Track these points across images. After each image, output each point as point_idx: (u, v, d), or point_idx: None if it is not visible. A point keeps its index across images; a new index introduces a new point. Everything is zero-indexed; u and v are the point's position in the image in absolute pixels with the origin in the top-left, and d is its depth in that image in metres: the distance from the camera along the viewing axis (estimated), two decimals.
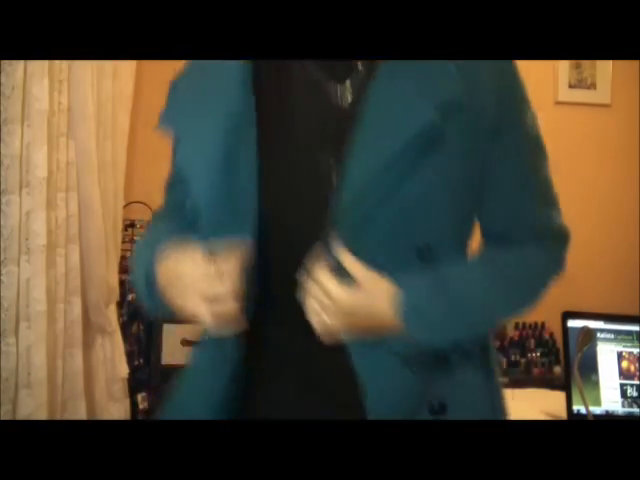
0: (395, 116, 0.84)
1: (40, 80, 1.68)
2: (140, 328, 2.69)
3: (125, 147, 2.19)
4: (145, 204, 2.69)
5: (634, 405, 1.50)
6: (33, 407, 1.67)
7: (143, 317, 2.70)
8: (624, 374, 1.52)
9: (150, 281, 0.87)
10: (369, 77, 0.87)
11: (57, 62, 1.75)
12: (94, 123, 1.97)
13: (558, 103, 3.10)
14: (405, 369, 0.84)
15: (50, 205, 1.75)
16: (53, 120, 1.76)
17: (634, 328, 1.53)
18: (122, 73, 2.19)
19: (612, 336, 1.53)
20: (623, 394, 1.51)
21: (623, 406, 1.50)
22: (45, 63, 1.69)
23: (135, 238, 2.76)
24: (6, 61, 1.56)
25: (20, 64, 1.59)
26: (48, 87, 1.71)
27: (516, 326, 3.07)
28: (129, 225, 2.72)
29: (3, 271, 1.61)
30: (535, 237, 0.93)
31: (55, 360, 1.83)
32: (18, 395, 1.66)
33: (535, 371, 2.98)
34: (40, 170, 1.70)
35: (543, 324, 3.06)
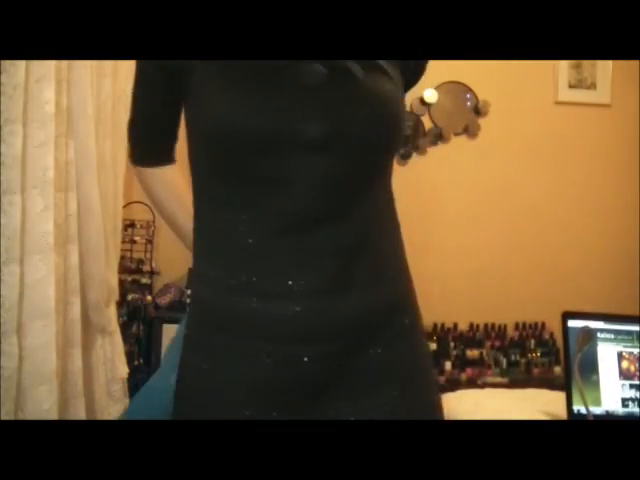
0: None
1: (47, 80, 1.68)
2: (140, 328, 2.69)
3: (125, 147, 2.19)
4: (145, 204, 2.69)
5: (634, 405, 1.50)
6: (39, 407, 1.68)
7: (143, 317, 2.70)
8: (624, 374, 1.52)
9: None
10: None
11: (57, 62, 1.75)
12: (94, 123, 1.97)
13: (558, 103, 3.10)
14: None
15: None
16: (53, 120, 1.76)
17: (634, 328, 1.53)
18: (122, 73, 2.19)
19: (612, 336, 1.53)
20: (623, 394, 1.51)
21: (623, 406, 1.50)
22: (51, 63, 1.69)
23: (135, 238, 2.76)
24: (8, 61, 1.55)
25: (22, 64, 1.59)
26: (55, 87, 1.71)
27: (516, 326, 3.07)
28: (129, 225, 2.72)
29: (5, 271, 1.61)
30: None
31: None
32: (24, 395, 1.66)
33: (535, 371, 2.98)
34: (48, 171, 1.71)
35: (543, 324, 3.06)
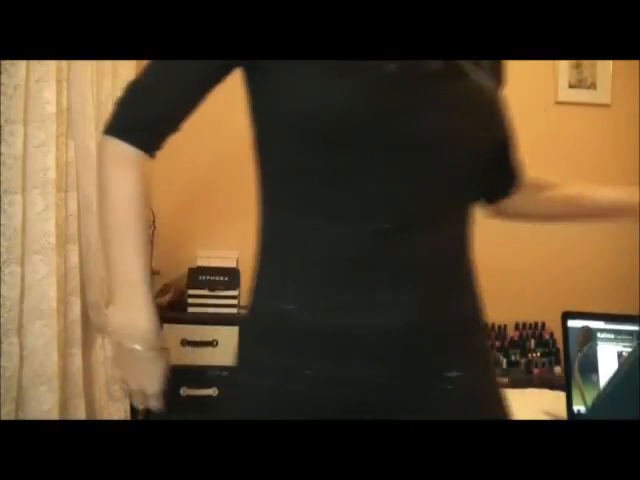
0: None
1: (47, 80, 1.69)
2: None
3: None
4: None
5: None
6: (39, 407, 1.68)
7: None
8: None
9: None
10: None
11: (57, 62, 1.75)
12: (94, 123, 1.97)
13: (558, 103, 3.10)
14: None
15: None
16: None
17: (634, 328, 1.53)
18: (122, 73, 2.19)
19: (612, 336, 1.53)
20: None
21: None
22: (51, 63, 1.69)
23: None
24: (8, 61, 1.56)
25: (22, 64, 1.59)
26: (55, 87, 1.71)
27: (516, 326, 3.07)
28: None
29: (6, 271, 1.61)
30: None
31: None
32: (25, 394, 1.67)
33: (535, 371, 2.98)
34: (48, 171, 1.71)
35: (543, 324, 3.06)
